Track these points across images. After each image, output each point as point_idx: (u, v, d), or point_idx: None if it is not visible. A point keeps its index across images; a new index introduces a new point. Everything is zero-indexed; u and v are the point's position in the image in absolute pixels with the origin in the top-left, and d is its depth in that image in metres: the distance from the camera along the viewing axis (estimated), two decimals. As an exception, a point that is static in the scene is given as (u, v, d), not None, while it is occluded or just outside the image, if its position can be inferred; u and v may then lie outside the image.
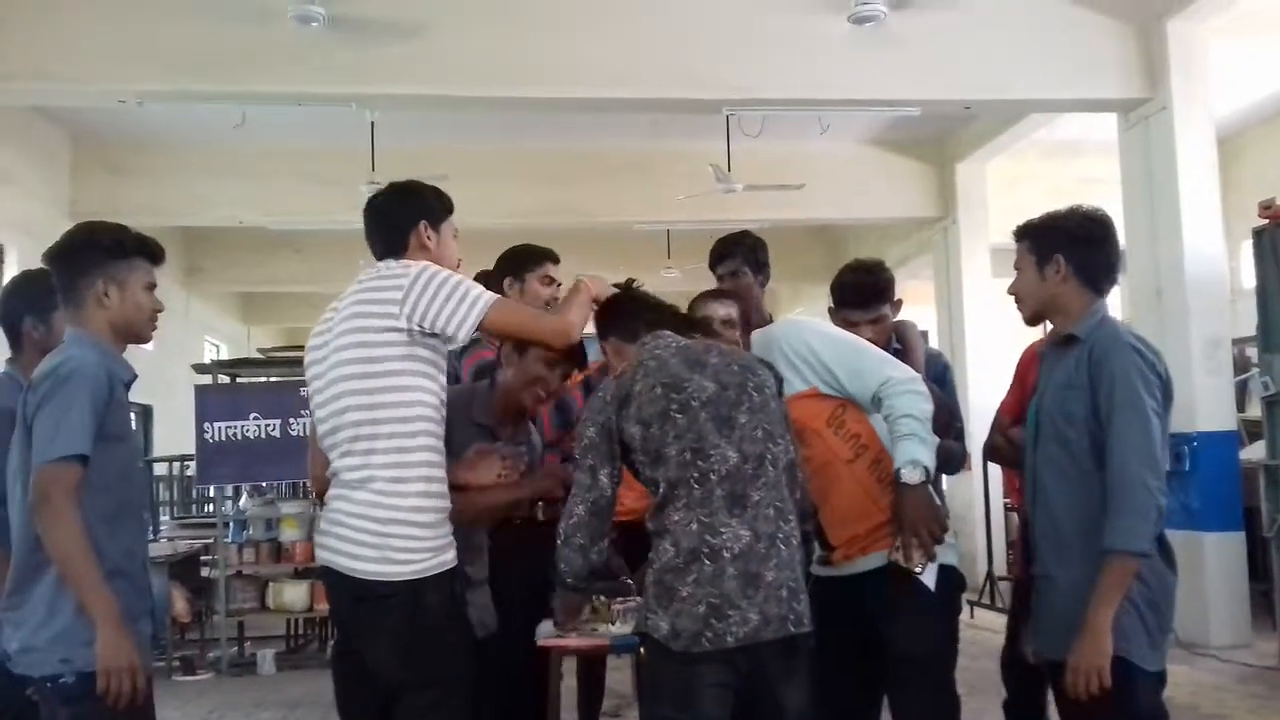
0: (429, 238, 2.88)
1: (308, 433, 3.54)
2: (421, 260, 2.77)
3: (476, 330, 2.72)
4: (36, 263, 2.95)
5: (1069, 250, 2.77)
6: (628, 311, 2.89)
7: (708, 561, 2.51)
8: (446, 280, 2.67)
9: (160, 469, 12.01)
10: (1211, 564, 7.16)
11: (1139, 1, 7.72)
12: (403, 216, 2.89)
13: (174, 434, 12.03)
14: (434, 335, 2.68)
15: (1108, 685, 2.49)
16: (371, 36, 7.22)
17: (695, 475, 2.56)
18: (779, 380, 2.80)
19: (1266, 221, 6.81)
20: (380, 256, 2.87)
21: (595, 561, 2.68)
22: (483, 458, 2.98)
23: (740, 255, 3.92)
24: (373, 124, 8.94)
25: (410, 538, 2.61)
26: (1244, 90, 9.70)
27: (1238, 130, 10.54)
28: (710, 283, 3.90)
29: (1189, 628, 6.78)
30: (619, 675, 5.76)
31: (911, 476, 2.80)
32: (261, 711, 6.56)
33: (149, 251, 2.78)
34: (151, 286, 2.76)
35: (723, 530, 2.53)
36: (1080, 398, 2.66)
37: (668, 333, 2.79)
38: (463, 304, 2.65)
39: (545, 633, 3.51)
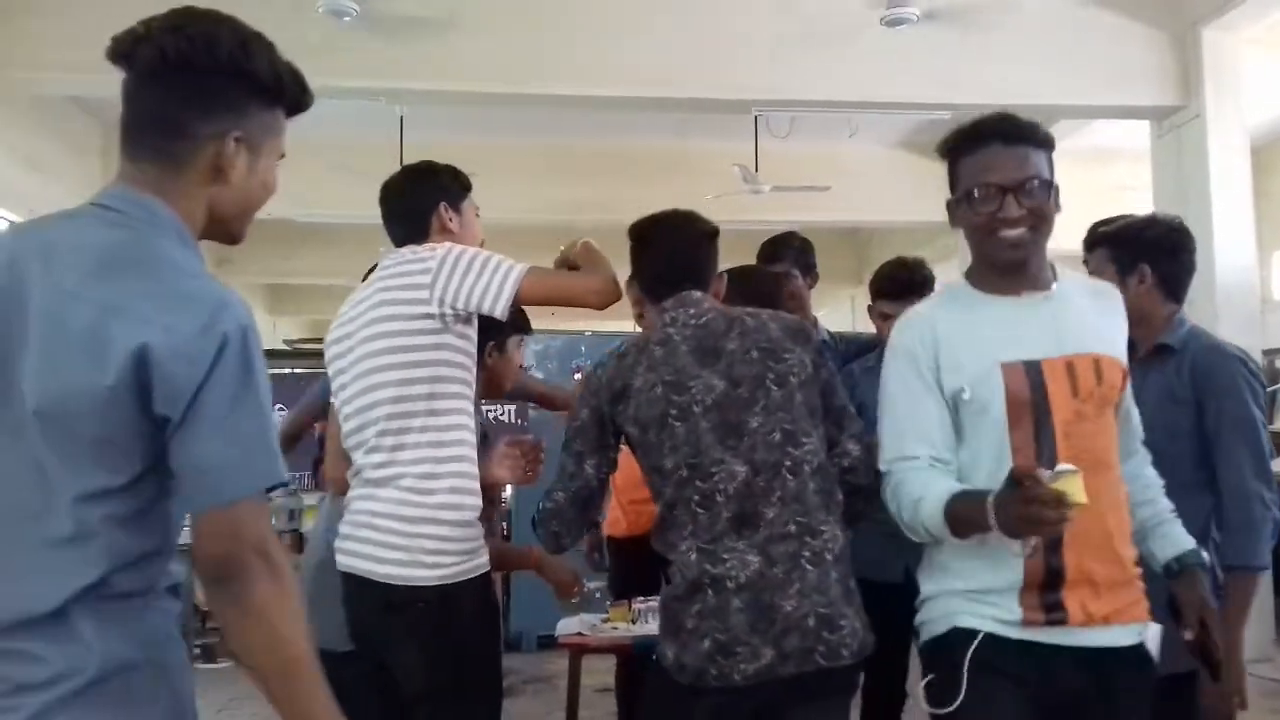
0: (450, 219, 2.74)
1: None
2: (446, 242, 2.63)
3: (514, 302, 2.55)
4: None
5: (1155, 260, 2.74)
6: (653, 262, 2.57)
7: (710, 593, 2.25)
8: (475, 256, 2.52)
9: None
10: (1236, 577, 7.09)
11: (1173, 9, 7.66)
12: (421, 200, 2.76)
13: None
14: (466, 321, 2.54)
15: (1246, 706, 2.44)
16: (403, 31, 7.25)
17: (697, 497, 2.28)
18: (820, 354, 2.42)
19: (1299, 232, 6.75)
20: (400, 243, 2.72)
21: (568, 546, 2.56)
22: (507, 454, 2.79)
23: (790, 257, 3.88)
24: (402, 118, 8.97)
25: (442, 538, 2.44)
26: (1278, 101, 9.60)
27: (1271, 140, 10.43)
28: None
29: (1211, 640, 6.72)
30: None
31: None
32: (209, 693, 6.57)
33: (296, 95, 1.72)
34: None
35: (726, 557, 2.25)
36: (1187, 412, 2.59)
37: (696, 296, 2.46)
38: (495, 276, 2.49)
39: (566, 630, 3.51)
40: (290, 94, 1.68)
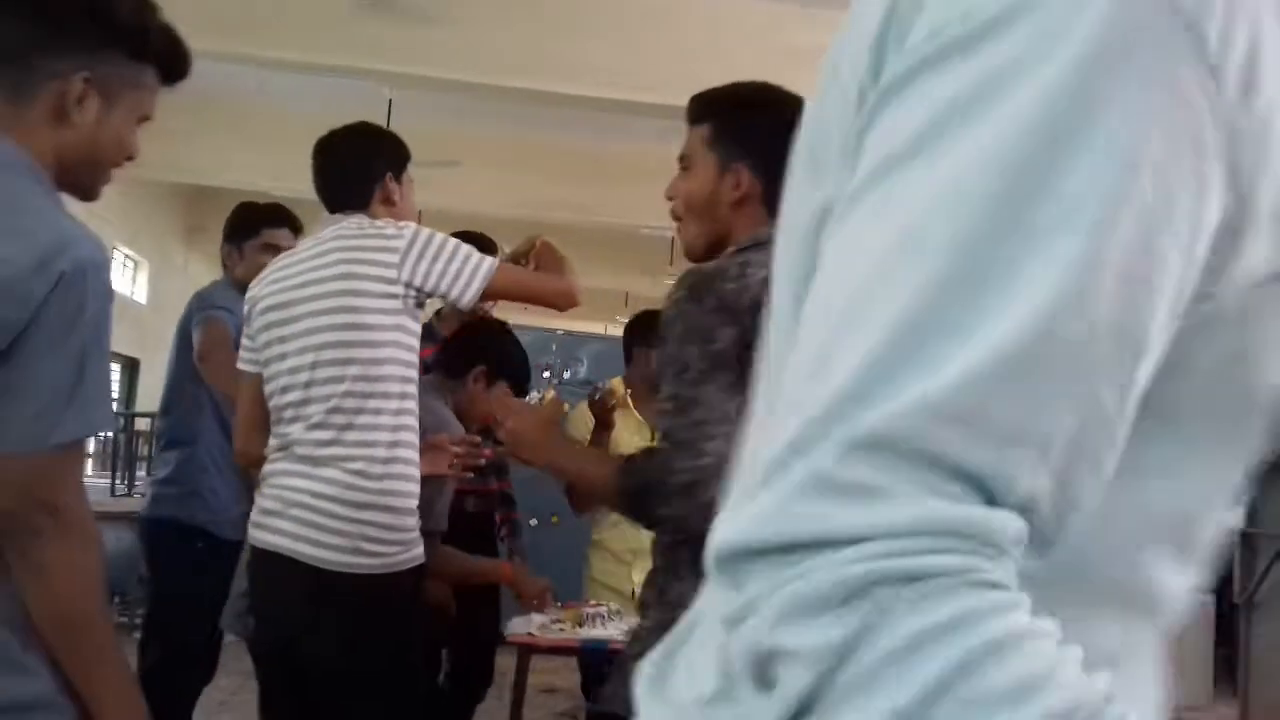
0: (394, 191, 2.63)
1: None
2: (384, 216, 2.54)
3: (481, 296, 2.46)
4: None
5: None
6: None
7: None
8: (445, 241, 2.44)
9: (142, 424, 11.98)
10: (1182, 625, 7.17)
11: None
12: (370, 164, 2.64)
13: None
14: (420, 306, 2.46)
15: None
16: (401, 14, 7.23)
17: None
18: None
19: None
20: (333, 206, 2.61)
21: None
22: (434, 447, 2.72)
23: None
24: (390, 101, 8.95)
25: (385, 526, 2.34)
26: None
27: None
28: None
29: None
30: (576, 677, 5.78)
31: None
32: (220, 679, 6.52)
33: (168, 57, 1.58)
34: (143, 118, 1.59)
35: None
36: None
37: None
38: (466, 265, 2.40)
39: (517, 629, 3.50)
40: (156, 52, 1.54)
